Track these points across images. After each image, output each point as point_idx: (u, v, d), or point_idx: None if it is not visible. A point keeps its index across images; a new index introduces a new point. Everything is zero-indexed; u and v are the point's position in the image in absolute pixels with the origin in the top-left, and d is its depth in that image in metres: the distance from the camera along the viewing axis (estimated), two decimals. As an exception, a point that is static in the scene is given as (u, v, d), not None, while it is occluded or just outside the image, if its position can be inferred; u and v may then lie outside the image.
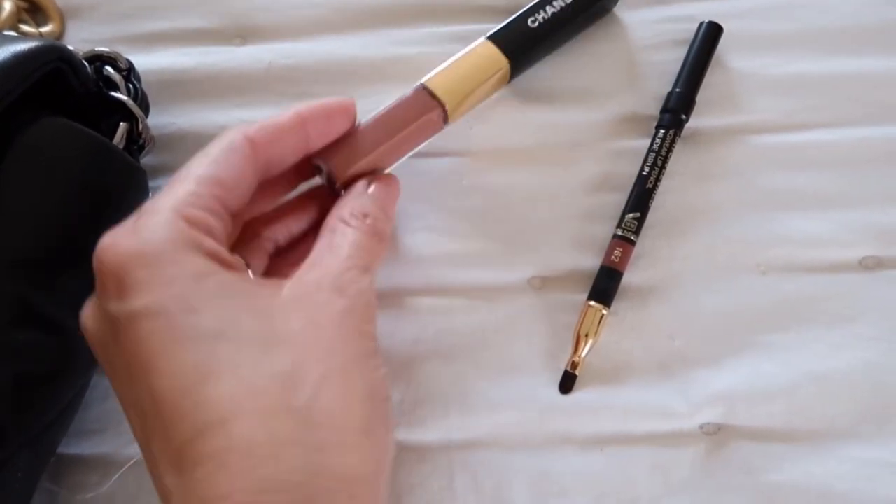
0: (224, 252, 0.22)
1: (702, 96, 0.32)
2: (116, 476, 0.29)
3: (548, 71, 0.33)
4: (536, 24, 0.32)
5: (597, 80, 0.33)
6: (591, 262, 0.30)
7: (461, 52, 0.31)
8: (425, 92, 0.30)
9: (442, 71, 0.31)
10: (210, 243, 0.22)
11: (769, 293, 0.30)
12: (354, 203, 0.26)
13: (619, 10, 0.34)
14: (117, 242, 0.21)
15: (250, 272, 0.25)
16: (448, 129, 0.31)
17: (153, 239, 0.21)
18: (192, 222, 0.22)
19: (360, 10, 0.35)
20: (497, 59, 0.31)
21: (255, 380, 0.20)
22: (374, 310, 0.23)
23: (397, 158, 0.31)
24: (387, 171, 0.29)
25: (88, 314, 0.23)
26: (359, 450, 0.21)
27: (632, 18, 0.34)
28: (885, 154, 0.31)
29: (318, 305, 0.22)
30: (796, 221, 0.30)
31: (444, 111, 0.31)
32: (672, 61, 0.33)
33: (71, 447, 0.30)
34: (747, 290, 0.30)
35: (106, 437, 0.30)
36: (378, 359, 0.22)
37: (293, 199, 0.29)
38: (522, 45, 0.32)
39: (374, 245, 0.25)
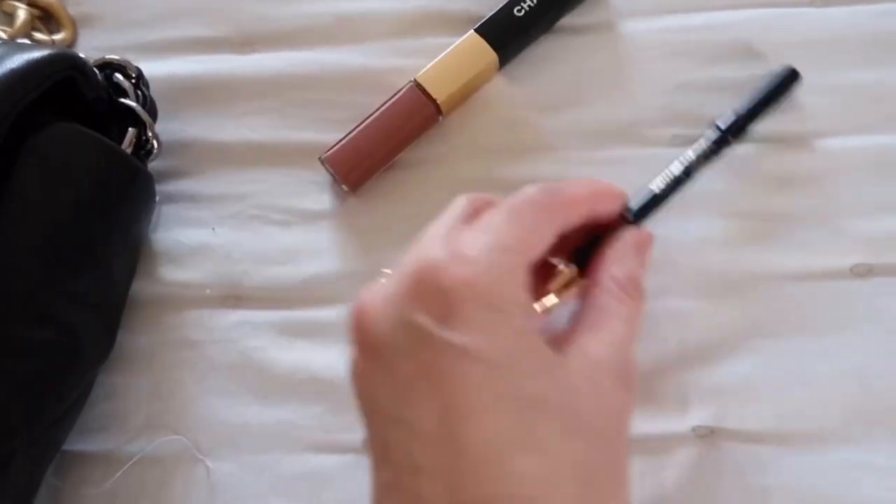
0: (535, 317, 0.23)
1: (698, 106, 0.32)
2: (119, 473, 0.30)
3: (548, 82, 0.34)
4: (522, 12, 0.33)
5: (595, 91, 0.34)
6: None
7: (450, 46, 0.32)
8: (418, 89, 0.32)
9: (432, 67, 0.32)
10: (532, 307, 0.22)
11: (761, 298, 0.30)
12: (632, 268, 0.25)
13: (621, 20, 0.35)
14: (448, 264, 0.20)
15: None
16: (447, 134, 0.32)
17: (490, 275, 0.21)
18: (523, 271, 0.22)
19: (362, 21, 0.35)
20: (485, 52, 0.32)
21: (560, 464, 0.20)
22: None
23: (396, 154, 0.32)
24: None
25: (381, 308, 0.21)
26: None
27: (634, 27, 0.34)
28: (875, 162, 0.31)
29: (607, 394, 0.22)
30: (788, 228, 0.31)
31: (438, 106, 0.32)
32: (672, 72, 0.33)
33: (75, 444, 0.30)
34: (739, 295, 0.30)
35: (110, 434, 0.31)
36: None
37: None
38: (509, 35, 0.33)
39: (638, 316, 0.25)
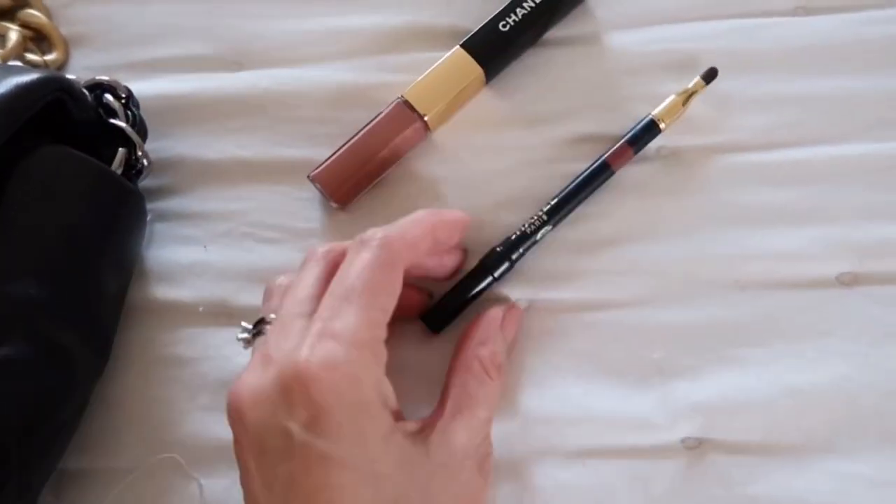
0: (394, 401, 0.24)
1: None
2: (117, 490, 0.30)
3: (535, 95, 0.34)
4: (507, 27, 0.33)
5: (581, 103, 0.34)
6: (582, 283, 0.31)
7: (437, 62, 0.33)
8: (405, 105, 0.32)
9: (419, 83, 0.32)
10: (392, 395, 0.24)
11: (747, 308, 0.30)
12: (493, 346, 0.27)
13: (606, 32, 0.35)
14: (312, 370, 0.22)
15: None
16: (435, 150, 0.32)
17: (353, 379, 0.22)
18: (377, 355, 0.24)
19: (349, 37, 0.36)
20: (471, 67, 0.33)
21: None
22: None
23: (385, 170, 0.33)
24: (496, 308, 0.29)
25: (255, 407, 0.23)
26: None
27: (619, 39, 0.35)
28: (861, 171, 0.31)
29: (464, 482, 0.25)
30: (774, 238, 0.31)
31: (425, 122, 0.32)
32: (657, 83, 0.33)
33: (72, 462, 0.31)
34: (726, 305, 0.30)
35: (104, 452, 0.31)
36: None
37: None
38: (494, 50, 0.33)
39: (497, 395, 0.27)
